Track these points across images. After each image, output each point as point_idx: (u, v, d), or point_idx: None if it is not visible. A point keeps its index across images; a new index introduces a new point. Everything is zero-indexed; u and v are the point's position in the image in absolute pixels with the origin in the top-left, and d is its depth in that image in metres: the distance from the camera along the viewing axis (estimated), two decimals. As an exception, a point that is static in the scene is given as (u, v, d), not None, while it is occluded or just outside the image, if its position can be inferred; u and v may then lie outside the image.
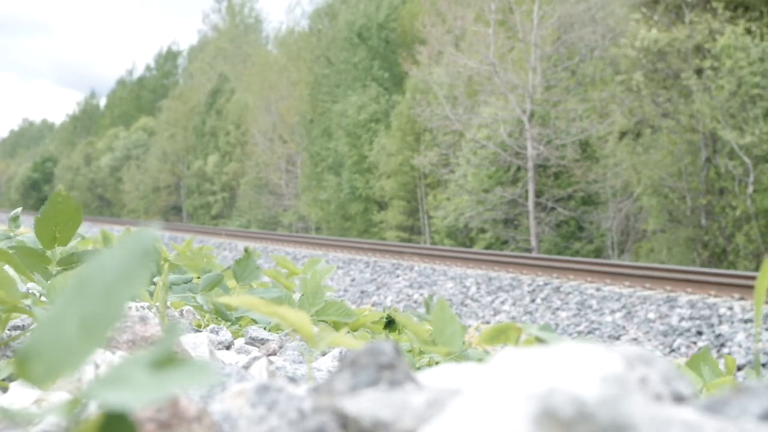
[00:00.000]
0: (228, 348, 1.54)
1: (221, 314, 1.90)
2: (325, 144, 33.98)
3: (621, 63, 20.94)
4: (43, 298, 1.37)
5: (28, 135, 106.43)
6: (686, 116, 18.80)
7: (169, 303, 1.85)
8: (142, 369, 0.49)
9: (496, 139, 23.30)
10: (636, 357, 0.59)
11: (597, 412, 0.48)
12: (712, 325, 9.95)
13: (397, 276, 16.13)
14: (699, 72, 18.73)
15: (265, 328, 1.79)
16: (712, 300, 10.74)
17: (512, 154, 23.22)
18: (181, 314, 1.81)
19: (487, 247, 23.27)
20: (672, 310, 10.75)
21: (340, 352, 1.33)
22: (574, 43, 23.90)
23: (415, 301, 14.11)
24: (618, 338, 10.52)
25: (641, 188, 20.37)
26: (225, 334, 1.57)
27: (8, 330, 1.27)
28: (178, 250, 2.77)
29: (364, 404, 0.59)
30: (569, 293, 12.50)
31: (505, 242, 23.75)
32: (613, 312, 11.29)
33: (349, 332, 1.93)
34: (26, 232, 1.94)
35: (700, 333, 9.89)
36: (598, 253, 22.74)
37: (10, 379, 1.02)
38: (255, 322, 1.90)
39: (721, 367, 5.52)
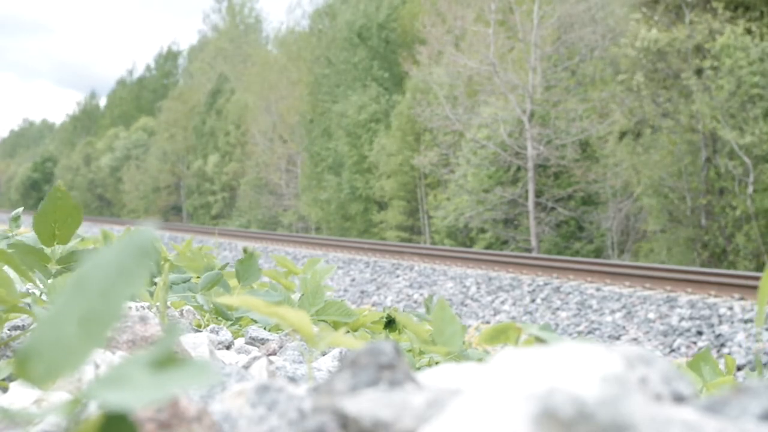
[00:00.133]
0: (228, 348, 1.54)
1: (221, 314, 1.90)
2: (325, 144, 33.99)
3: (621, 63, 20.94)
4: (43, 297, 1.37)
5: (28, 135, 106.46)
6: (686, 116, 18.80)
7: (169, 303, 1.85)
8: (142, 369, 0.49)
9: (496, 139, 23.30)
10: (636, 357, 0.59)
11: (597, 412, 0.48)
12: (712, 325, 9.95)
13: (397, 276, 16.13)
14: (699, 72, 18.73)
15: (265, 328, 1.79)
16: (712, 300, 10.74)
17: (512, 154, 23.22)
18: (181, 314, 1.81)
19: (487, 247, 23.27)
20: (672, 310, 10.75)
21: (340, 352, 1.33)
22: (574, 43, 23.90)
23: (415, 301, 14.11)
24: (618, 338, 10.52)
25: (641, 188, 20.37)
26: (225, 334, 1.57)
27: (8, 330, 1.27)
28: (178, 250, 2.77)
29: (364, 404, 0.59)
30: (569, 293, 12.50)
31: (505, 242, 23.75)
32: (613, 312, 11.29)
33: (349, 332, 1.93)
34: (26, 232, 1.94)
35: (700, 333, 9.89)
36: (598, 253, 22.74)
37: (10, 379, 1.02)
38: (255, 322, 1.90)
39: (721, 367, 5.52)
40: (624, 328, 10.73)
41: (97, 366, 0.92)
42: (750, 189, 17.58)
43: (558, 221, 23.09)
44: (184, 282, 2.02)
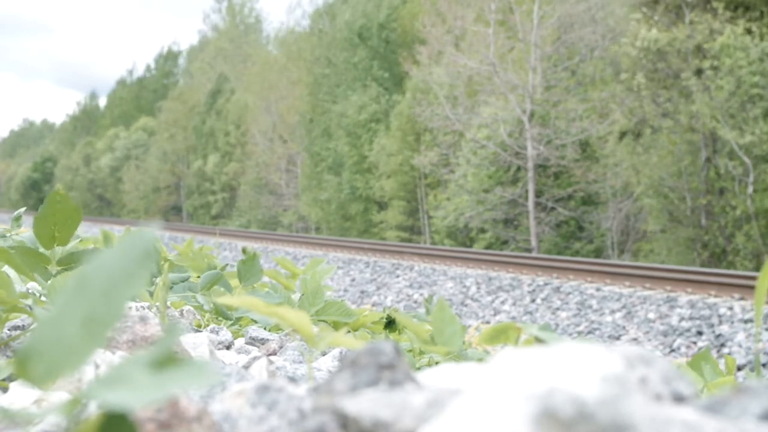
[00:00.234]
0: (228, 348, 1.54)
1: (221, 314, 1.90)
2: (325, 144, 33.99)
3: (622, 63, 20.95)
4: (43, 298, 1.37)
5: (28, 135, 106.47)
6: (686, 116, 18.80)
7: (169, 303, 1.85)
8: (142, 369, 0.49)
9: (496, 139, 23.30)
10: (636, 357, 0.59)
11: (597, 412, 0.48)
12: (712, 325, 9.95)
13: (397, 276, 16.13)
14: (699, 72, 18.73)
15: (265, 328, 1.79)
16: (712, 300, 10.74)
17: (512, 154, 23.22)
18: (181, 314, 1.81)
19: (487, 247, 23.27)
20: (672, 310, 10.75)
21: (340, 352, 1.33)
22: (574, 43, 23.90)
23: (415, 301, 14.11)
24: (618, 338, 10.52)
25: (641, 188, 20.38)
26: (225, 334, 1.57)
27: (8, 330, 1.27)
28: (179, 250, 2.77)
29: (364, 404, 0.59)
30: (569, 293, 12.51)
31: (505, 242, 23.75)
32: (613, 312, 11.29)
33: (349, 332, 1.93)
34: (25, 231, 1.94)
35: (700, 333, 9.89)
36: (598, 253, 22.74)
37: (10, 379, 1.02)
38: (255, 322, 1.90)
39: (722, 367, 5.52)
40: (624, 328, 10.73)
41: (97, 366, 0.92)
42: (750, 189, 17.59)
43: (558, 221, 23.09)
44: (183, 281, 2.02)
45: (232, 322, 1.91)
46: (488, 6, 23.79)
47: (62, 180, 63.20)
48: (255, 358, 1.24)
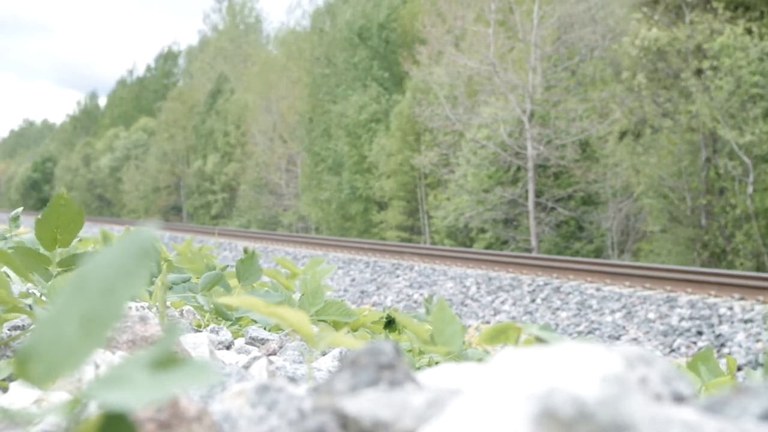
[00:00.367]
0: (228, 348, 1.54)
1: (221, 314, 1.90)
2: (325, 144, 33.99)
3: (622, 62, 20.95)
4: (43, 299, 1.37)
5: (28, 135, 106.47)
6: (686, 116, 18.81)
7: (169, 303, 1.85)
8: (142, 369, 0.49)
9: (496, 139, 23.30)
10: (636, 357, 0.59)
11: (597, 412, 0.48)
12: (712, 325, 9.95)
13: (397, 276, 16.13)
14: (699, 72, 18.73)
15: (265, 328, 1.79)
16: (712, 300, 10.74)
17: (512, 154, 23.23)
18: (181, 314, 1.81)
19: (487, 247, 23.27)
20: (672, 310, 10.75)
21: (340, 352, 1.33)
22: (574, 43, 23.90)
23: (415, 301, 14.11)
24: (618, 338, 10.52)
25: (641, 188, 20.38)
26: (225, 334, 1.57)
27: (8, 330, 1.27)
28: (178, 250, 2.77)
29: (364, 404, 0.59)
30: (569, 293, 12.50)
31: (505, 242, 23.75)
32: (613, 312, 11.29)
33: (349, 332, 1.93)
34: (26, 232, 1.94)
35: (700, 333, 9.89)
36: (598, 253, 22.74)
37: (10, 379, 1.02)
38: (255, 322, 1.90)
39: (722, 367, 5.52)
40: (624, 328, 10.74)
41: (97, 366, 0.92)
42: (750, 189, 17.59)
43: (558, 221, 23.09)
44: (184, 282, 2.02)
45: (232, 322, 1.91)
46: (488, 6, 23.79)
47: (62, 180, 63.24)
48: (255, 358, 1.24)
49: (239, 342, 1.58)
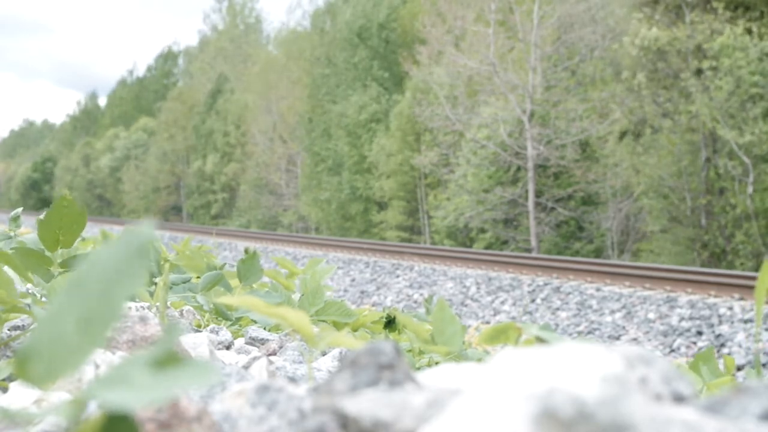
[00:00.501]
0: (228, 348, 1.54)
1: (221, 314, 1.90)
2: (325, 144, 33.99)
3: (622, 62, 20.95)
4: (43, 299, 1.37)
5: (28, 135, 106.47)
6: (686, 116, 18.81)
7: (169, 303, 1.85)
8: (142, 369, 0.49)
9: (496, 139, 23.30)
10: (636, 357, 0.59)
11: (597, 412, 0.48)
12: (712, 325, 9.95)
13: (397, 276, 16.13)
14: (699, 72, 18.73)
15: (265, 328, 1.79)
16: (712, 300, 10.74)
17: (512, 154, 23.23)
18: (181, 314, 1.81)
19: (487, 247, 23.27)
20: (672, 310, 10.75)
21: (340, 352, 1.33)
22: (574, 43, 23.90)
23: (415, 301, 14.11)
24: (618, 338, 10.52)
25: (641, 188, 20.38)
26: (225, 334, 1.57)
27: (8, 330, 1.27)
28: (177, 249, 2.77)
29: (364, 404, 0.59)
30: (569, 293, 12.51)
31: (505, 242, 23.75)
32: (613, 312, 11.29)
33: (349, 332, 1.93)
34: (27, 232, 1.94)
35: (700, 333, 9.89)
36: (598, 253, 22.74)
37: (10, 379, 1.02)
38: (255, 322, 1.90)
39: (721, 367, 5.51)
40: (624, 328, 10.73)
41: (97, 366, 0.92)
42: (750, 189, 17.59)
43: (558, 221, 23.09)
44: (184, 282, 2.02)
45: (232, 322, 1.91)
46: (488, 6, 23.79)
47: (62, 180, 63.25)
48: (255, 358, 1.24)
49: (239, 342, 1.58)
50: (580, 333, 10.87)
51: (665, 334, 10.16)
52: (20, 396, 0.88)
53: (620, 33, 22.36)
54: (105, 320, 0.51)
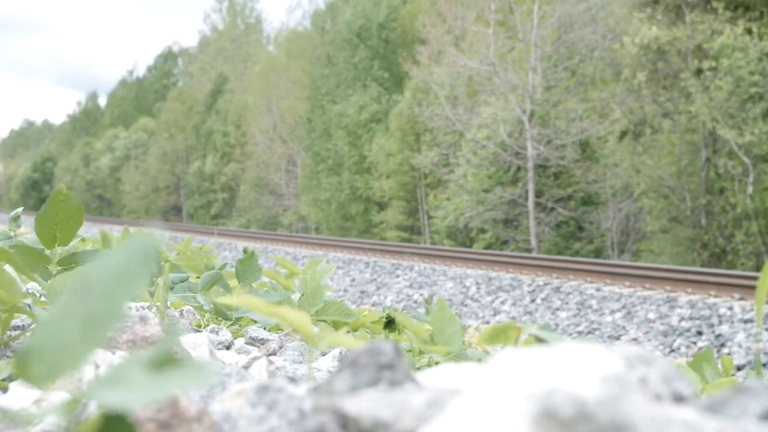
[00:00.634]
0: (228, 348, 1.54)
1: (221, 314, 1.90)
2: (325, 144, 33.99)
3: (622, 62, 20.95)
4: (43, 299, 1.37)
5: (28, 135, 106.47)
6: (686, 116, 18.81)
7: (169, 303, 1.85)
8: (142, 369, 0.49)
9: (496, 139, 23.30)
10: (636, 357, 0.59)
11: (597, 412, 0.48)
12: (712, 325, 9.95)
13: (397, 276, 16.13)
14: (699, 72, 18.73)
15: (265, 328, 1.79)
16: (712, 300, 10.74)
17: (512, 154, 23.23)
18: (181, 314, 1.81)
19: (487, 247, 23.26)
20: (672, 310, 10.75)
21: (340, 352, 1.33)
22: (574, 43, 23.90)
23: (415, 301, 14.11)
24: (618, 338, 10.52)
25: (641, 188, 20.39)
26: (225, 334, 1.57)
27: (8, 330, 1.27)
28: (178, 249, 2.78)
29: (364, 404, 0.59)
30: (569, 293, 12.50)
31: (505, 242, 23.75)
32: (613, 312, 11.29)
33: (349, 332, 1.93)
34: (27, 232, 1.94)
35: (700, 333, 9.89)
36: (598, 253, 22.74)
37: (10, 379, 1.02)
38: (255, 322, 1.90)
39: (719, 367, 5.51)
40: (624, 328, 10.73)
41: (97, 366, 0.92)
42: (750, 189, 17.59)
43: (558, 221, 23.09)
44: (183, 282, 2.02)
45: (231, 322, 1.91)
46: (488, 6, 23.79)
47: (62, 180, 63.20)
48: (255, 358, 1.24)
49: (239, 342, 1.58)
50: (580, 333, 10.87)
51: (665, 334, 10.16)
52: (20, 396, 0.88)
53: (620, 33, 22.36)
54: (107, 322, 0.51)
